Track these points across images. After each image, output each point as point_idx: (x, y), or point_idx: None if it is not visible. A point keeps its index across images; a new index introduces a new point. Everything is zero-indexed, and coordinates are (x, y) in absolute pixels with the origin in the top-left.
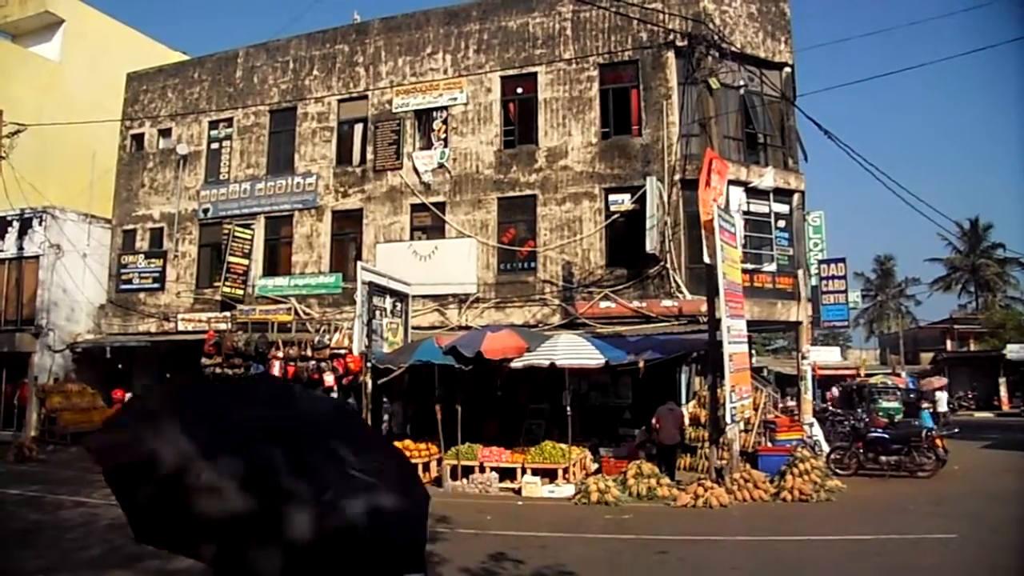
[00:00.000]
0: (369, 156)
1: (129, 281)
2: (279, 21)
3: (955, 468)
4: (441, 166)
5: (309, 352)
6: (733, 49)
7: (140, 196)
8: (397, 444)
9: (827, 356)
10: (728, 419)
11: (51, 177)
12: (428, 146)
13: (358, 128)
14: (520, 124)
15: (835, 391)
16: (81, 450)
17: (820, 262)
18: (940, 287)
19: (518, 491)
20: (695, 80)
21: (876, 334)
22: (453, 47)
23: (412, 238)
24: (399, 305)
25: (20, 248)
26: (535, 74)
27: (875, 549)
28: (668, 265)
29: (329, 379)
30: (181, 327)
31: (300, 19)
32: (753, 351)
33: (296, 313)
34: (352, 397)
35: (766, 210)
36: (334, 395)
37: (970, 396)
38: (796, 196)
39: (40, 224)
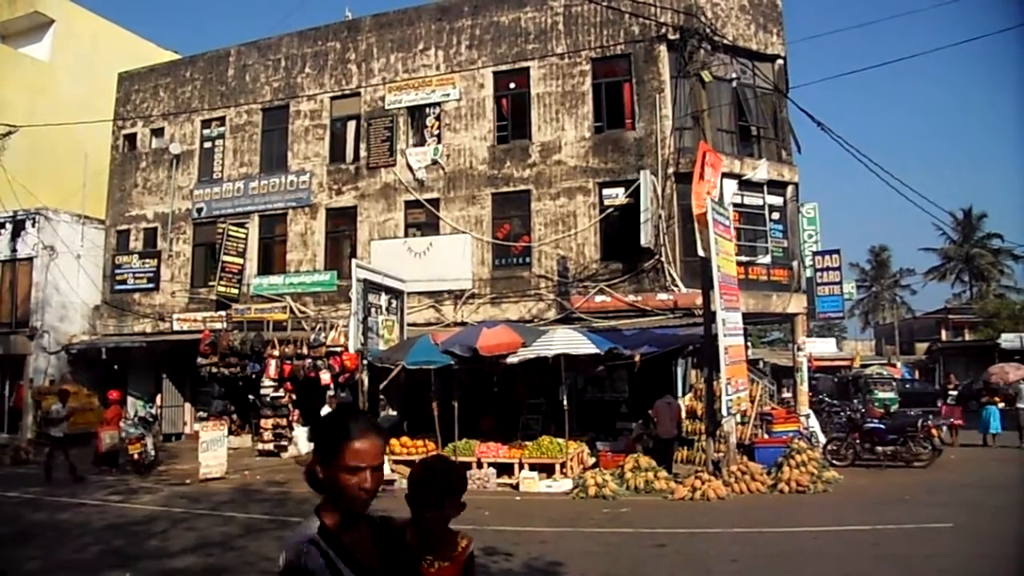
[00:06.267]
0: (362, 153)
1: (123, 281)
2: (270, 19)
3: (951, 458)
4: (435, 162)
5: (305, 350)
6: (725, 42)
7: (133, 196)
8: (393, 441)
9: (823, 347)
10: (724, 412)
11: (43, 178)
12: (421, 142)
13: (351, 125)
14: (513, 119)
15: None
16: (78, 452)
17: (815, 254)
18: (934, 277)
19: (516, 486)
20: (688, 73)
21: (871, 325)
22: (445, 43)
23: (407, 235)
24: (394, 302)
25: (13, 250)
26: (527, 69)
27: (872, 539)
28: (663, 259)
29: (325, 377)
30: (176, 327)
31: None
32: (749, 343)
33: (291, 311)
34: (347, 393)
35: (760, 202)
36: (330, 393)
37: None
38: (790, 188)
39: (33, 226)
